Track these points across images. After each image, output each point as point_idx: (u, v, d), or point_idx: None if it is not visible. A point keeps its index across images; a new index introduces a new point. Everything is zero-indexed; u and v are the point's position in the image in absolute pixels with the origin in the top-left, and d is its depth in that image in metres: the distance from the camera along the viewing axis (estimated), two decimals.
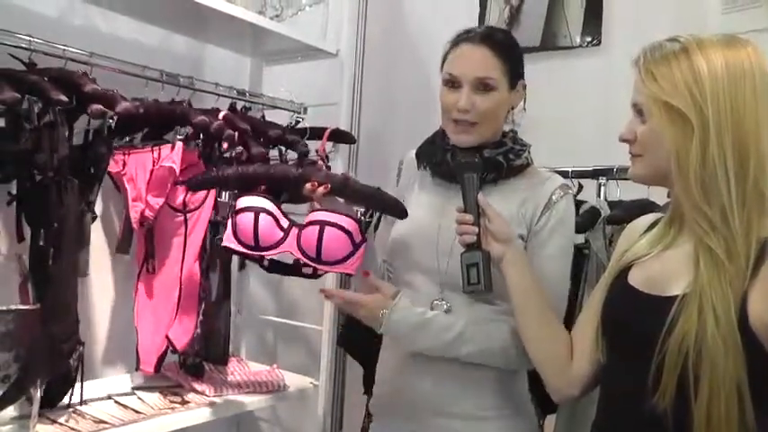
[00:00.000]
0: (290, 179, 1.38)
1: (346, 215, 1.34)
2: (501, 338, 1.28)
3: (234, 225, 1.34)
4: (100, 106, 1.40)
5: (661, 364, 0.94)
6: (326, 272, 1.38)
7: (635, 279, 1.07)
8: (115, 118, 1.43)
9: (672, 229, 1.08)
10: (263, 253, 1.35)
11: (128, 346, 1.73)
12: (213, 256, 1.69)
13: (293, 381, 1.94)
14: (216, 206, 1.67)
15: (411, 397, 1.35)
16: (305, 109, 2.04)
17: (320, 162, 1.88)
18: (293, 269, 1.41)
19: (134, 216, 1.64)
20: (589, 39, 2.00)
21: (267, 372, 1.94)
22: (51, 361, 1.36)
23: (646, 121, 1.02)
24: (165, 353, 1.65)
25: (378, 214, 1.65)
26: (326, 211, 1.33)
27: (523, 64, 1.40)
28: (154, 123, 1.60)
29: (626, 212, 1.54)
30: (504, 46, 1.35)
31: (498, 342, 1.28)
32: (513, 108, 1.40)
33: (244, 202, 1.34)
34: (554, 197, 1.34)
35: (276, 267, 1.40)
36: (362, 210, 1.56)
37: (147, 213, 1.63)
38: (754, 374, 0.91)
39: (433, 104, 2.26)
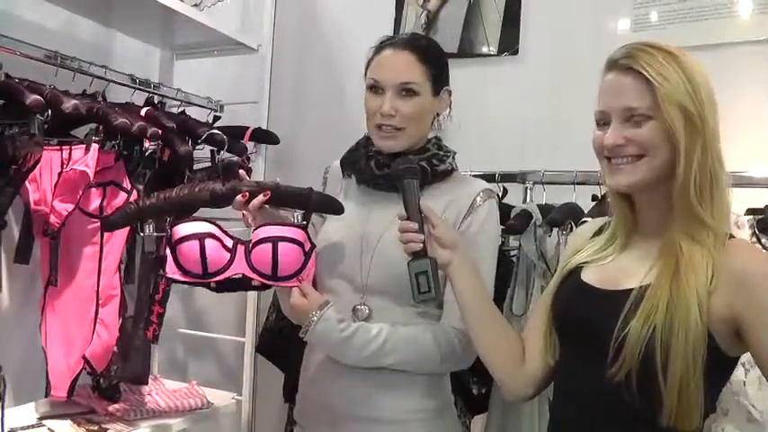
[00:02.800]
0: (219, 196, 1.30)
1: (292, 225, 1.30)
2: (423, 346, 1.29)
3: (176, 255, 1.24)
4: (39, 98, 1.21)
5: (620, 347, 0.96)
6: (282, 287, 1.31)
7: (589, 278, 1.10)
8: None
9: (621, 235, 1.12)
10: (212, 279, 1.26)
11: (29, 370, 1.52)
12: (131, 267, 1.53)
13: (214, 396, 1.82)
14: None
15: (334, 402, 1.33)
16: (221, 107, 1.92)
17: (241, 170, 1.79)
18: (242, 285, 1.32)
19: (36, 222, 1.45)
20: (506, 47, 2.06)
21: (186, 389, 1.80)
22: None
23: (643, 124, 1.01)
24: (78, 375, 1.47)
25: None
26: (272, 225, 1.28)
27: (448, 71, 1.42)
28: (72, 122, 1.42)
29: (563, 215, 1.61)
30: (427, 51, 1.36)
31: (420, 350, 1.29)
32: (438, 115, 1.41)
33: (184, 229, 1.24)
34: (477, 201, 1.36)
35: (224, 287, 1.30)
36: (299, 213, 1.49)
37: (53, 220, 1.45)
38: (707, 371, 0.95)
39: (344, 105, 2.27)
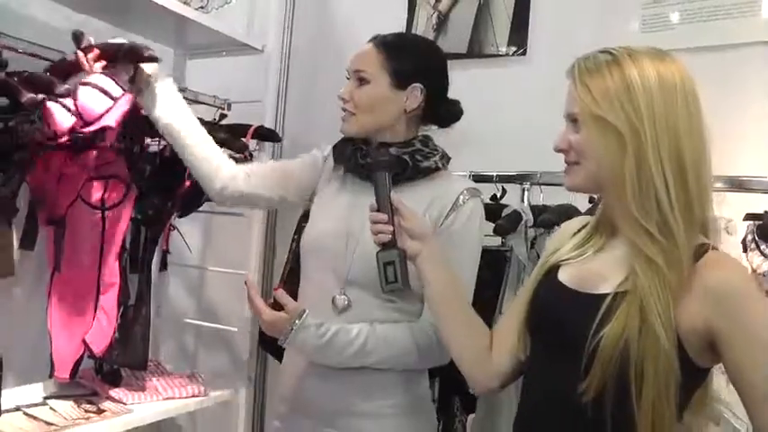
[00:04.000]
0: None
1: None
2: (402, 344, 1.32)
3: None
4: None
5: (592, 356, 0.95)
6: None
7: (564, 278, 1.09)
8: None
9: (600, 232, 1.11)
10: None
11: (40, 353, 1.61)
12: (134, 256, 1.60)
13: (215, 385, 1.88)
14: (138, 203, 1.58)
15: (311, 396, 1.37)
16: (228, 105, 1.97)
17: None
18: None
19: (41, 210, 1.54)
20: (515, 48, 2.06)
21: (187, 377, 1.87)
22: None
23: (579, 131, 1.02)
24: (81, 358, 1.54)
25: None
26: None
27: (426, 69, 1.43)
28: None
29: (556, 216, 1.60)
30: (392, 45, 1.42)
31: (399, 348, 1.32)
32: (406, 111, 1.41)
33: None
34: (461, 199, 1.37)
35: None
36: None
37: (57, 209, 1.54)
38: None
39: None
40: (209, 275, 2.24)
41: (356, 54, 1.44)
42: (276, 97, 1.98)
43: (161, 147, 1.61)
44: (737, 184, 1.51)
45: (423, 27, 2.20)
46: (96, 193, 1.54)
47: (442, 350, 1.30)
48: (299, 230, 1.95)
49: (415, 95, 1.40)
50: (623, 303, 0.96)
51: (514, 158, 1.92)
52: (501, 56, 2.08)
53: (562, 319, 1.05)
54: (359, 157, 1.40)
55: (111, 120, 1.31)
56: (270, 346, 1.91)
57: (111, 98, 1.33)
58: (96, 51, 1.38)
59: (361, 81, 1.40)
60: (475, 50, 2.11)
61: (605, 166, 0.99)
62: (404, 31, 2.20)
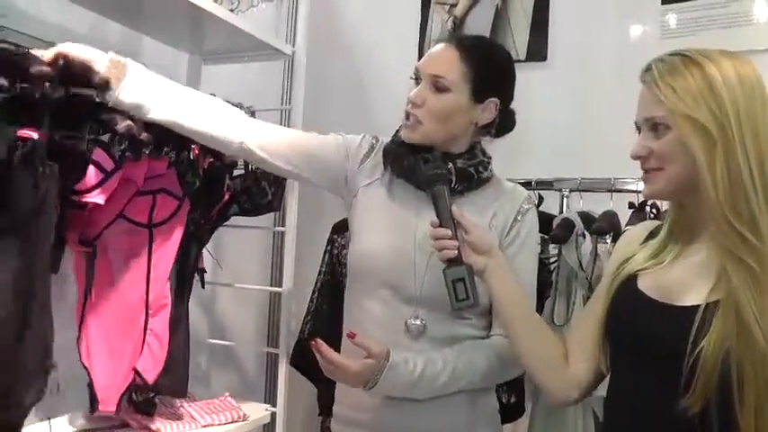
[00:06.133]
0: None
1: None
2: (487, 364, 1.27)
3: None
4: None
5: (692, 369, 0.94)
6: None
7: (645, 288, 1.07)
8: None
9: (676, 239, 1.09)
10: None
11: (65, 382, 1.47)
12: (184, 277, 1.49)
13: (248, 409, 1.78)
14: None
15: (378, 414, 1.29)
16: (252, 113, 1.87)
17: None
18: None
19: (71, 231, 1.41)
20: (534, 53, 2.06)
21: (219, 402, 1.76)
22: None
23: (663, 135, 1.00)
24: (128, 388, 1.42)
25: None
26: None
27: (505, 83, 1.37)
28: None
29: (608, 224, 1.60)
30: (473, 51, 1.31)
31: (485, 368, 1.27)
32: (477, 124, 1.33)
33: None
34: (524, 207, 1.35)
35: None
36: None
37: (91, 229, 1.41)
38: None
39: (370, 110, 2.24)
40: (219, 292, 2.13)
41: (433, 55, 1.32)
42: (303, 104, 1.88)
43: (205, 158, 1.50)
44: None
45: (437, 32, 2.18)
46: (143, 209, 1.42)
47: (516, 363, 1.26)
48: (331, 241, 1.89)
49: (490, 109, 1.33)
50: (718, 313, 0.95)
51: (534, 164, 1.94)
52: (521, 61, 2.07)
53: (653, 333, 1.02)
54: (420, 168, 1.29)
55: (101, 198, 1.28)
56: (307, 371, 1.83)
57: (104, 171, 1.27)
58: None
59: (440, 88, 1.28)
60: None
61: (701, 165, 0.97)
62: (417, 36, 2.17)
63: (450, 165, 1.29)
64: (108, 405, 1.41)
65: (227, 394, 1.80)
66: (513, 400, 1.72)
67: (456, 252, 1.13)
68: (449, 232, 1.13)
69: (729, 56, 1.01)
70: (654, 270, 1.08)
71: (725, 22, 1.87)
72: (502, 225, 1.32)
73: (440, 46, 1.33)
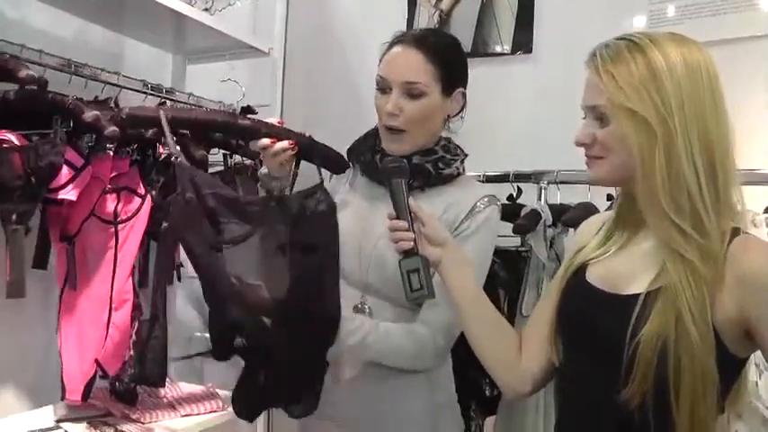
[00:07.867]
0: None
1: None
2: (397, 343, 1.28)
3: None
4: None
5: (632, 360, 0.93)
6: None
7: (593, 278, 1.06)
8: None
9: (622, 228, 1.08)
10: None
11: (48, 374, 1.54)
12: (146, 270, 1.53)
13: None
14: (151, 216, 1.52)
15: (342, 406, 1.33)
16: (243, 109, 1.92)
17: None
18: None
19: (53, 228, 1.48)
20: (520, 46, 2.04)
21: (203, 391, 1.81)
22: None
23: (606, 124, 0.98)
24: (93, 379, 1.47)
25: None
26: None
27: (464, 70, 1.38)
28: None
29: (580, 215, 1.58)
30: (437, 50, 1.31)
31: (395, 346, 1.28)
32: (449, 116, 1.37)
33: None
34: (478, 205, 1.34)
35: None
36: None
37: (69, 225, 1.47)
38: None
39: (358, 105, 2.26)
40: None
41: (400, 62, 1.31)
42: (281, 101, 1.91)
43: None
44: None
45: (423, 25, 2.18)
46: (109, 206, 1.47)
47: (434, 357, 1.30)
48: None
49: (458, 100, 1.36)
50: (657, 302, 0.94)
51: (518, 157, 1.92)
52: (506, 54, 2.06)
53: (596, 323, 1.02)
54: (377, 162, 1.35)
55: (74, 194, 1.33)
56: None
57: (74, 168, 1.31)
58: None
59: (415, 95, 1.29)
60: (479, 49, 2.10)
61: (637, 157, 0.95)
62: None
63: (405, 161, 1.29)
64: (73, 394, 1.46)
65: (211, 385, 1.85)
66: (496, 392, 1.72)
67: (412, 244, 1.15)
68: (405, 224, 1.15)
69: (679, 41, 0.97)
70: (602, 259, 1.08)
71: (711, 10, 1.81)
72: (453, 219, 1.33)
73: (399, 50, 1.32)
